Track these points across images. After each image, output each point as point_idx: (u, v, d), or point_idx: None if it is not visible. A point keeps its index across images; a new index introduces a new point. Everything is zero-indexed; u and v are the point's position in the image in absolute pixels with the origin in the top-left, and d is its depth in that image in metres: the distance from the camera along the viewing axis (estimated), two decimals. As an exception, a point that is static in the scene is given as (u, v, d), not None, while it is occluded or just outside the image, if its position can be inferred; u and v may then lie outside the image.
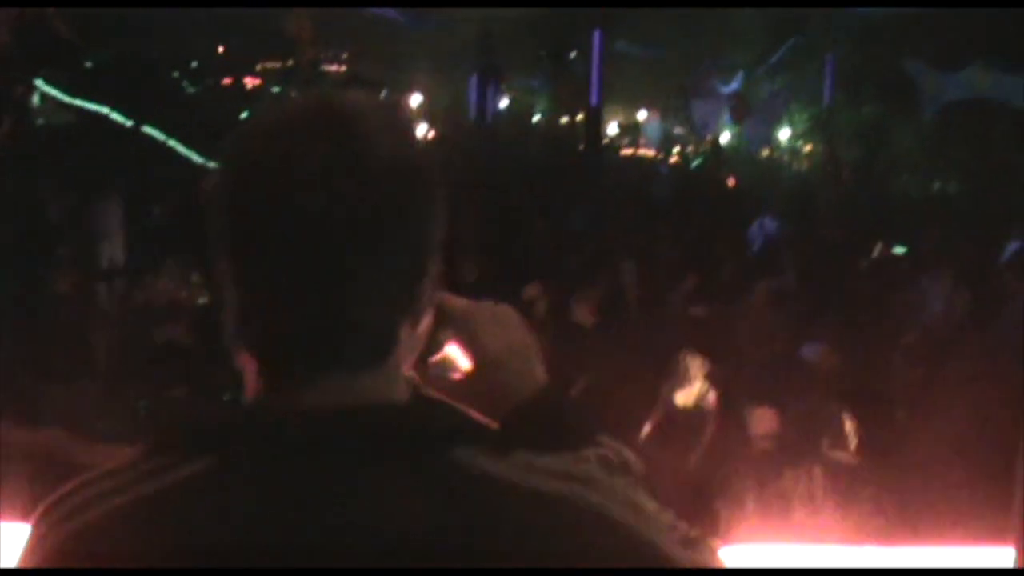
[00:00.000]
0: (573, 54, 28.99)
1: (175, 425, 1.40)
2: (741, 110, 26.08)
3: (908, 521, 6.94)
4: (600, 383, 9.11)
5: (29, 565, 1.34)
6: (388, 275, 1.33)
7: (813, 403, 8.21)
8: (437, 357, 1.62)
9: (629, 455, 1.56)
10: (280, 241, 1.30)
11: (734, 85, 26.39)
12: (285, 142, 1.33)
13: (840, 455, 7.96)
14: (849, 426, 8.06)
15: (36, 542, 1.35)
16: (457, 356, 1.62)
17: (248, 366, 1.39)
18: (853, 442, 7.92)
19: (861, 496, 7.24)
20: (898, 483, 7.55)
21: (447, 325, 1.58)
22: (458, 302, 1.61)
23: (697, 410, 8.83)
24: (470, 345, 1.60)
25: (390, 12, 29.83)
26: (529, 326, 1.68)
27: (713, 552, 1.41)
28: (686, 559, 1.36)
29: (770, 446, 7.81)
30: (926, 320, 11.14)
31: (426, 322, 1.43)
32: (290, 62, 25.04)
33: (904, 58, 21.68)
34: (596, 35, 22.41)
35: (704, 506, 7.18)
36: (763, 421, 7.87)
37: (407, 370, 1.44)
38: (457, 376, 1.60)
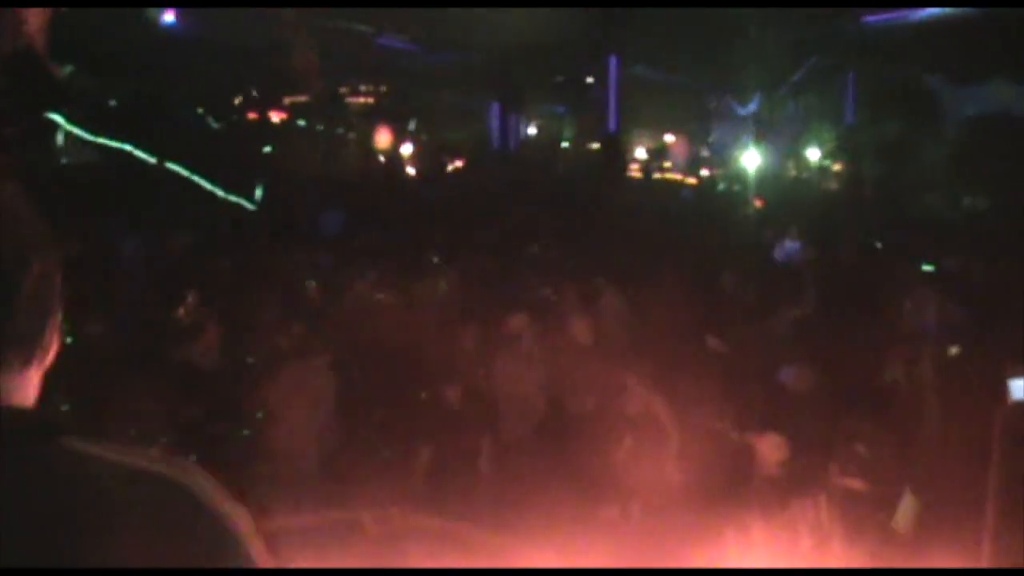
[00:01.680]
0: (590, 80, 29.01)
1: None
2: (760, 131, 26.01)
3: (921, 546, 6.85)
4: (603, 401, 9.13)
5: None
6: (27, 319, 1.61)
7: (821, 429, 8.13)
8: None
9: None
10: None
11: (753, 106, 26.33)
12: None
13: (850, 482, 7.88)
14: (860, 452, 7.97)
15: None
16: None
17: None
18: (864, 468, 7.84)
19: (870, 523, 7.17)
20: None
21: None
22: None
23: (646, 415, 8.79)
24: None
25: (407, 44, 30.01)
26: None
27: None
28: (259, 560, 1.59)
29: (779, 473, 7.71)
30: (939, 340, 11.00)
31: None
32: (311, 96, 25.14)
33: (924, 73, 21.55)
34: (612, 60, 22.38)
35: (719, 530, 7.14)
36: (772, 448, 7.77)
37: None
38: None
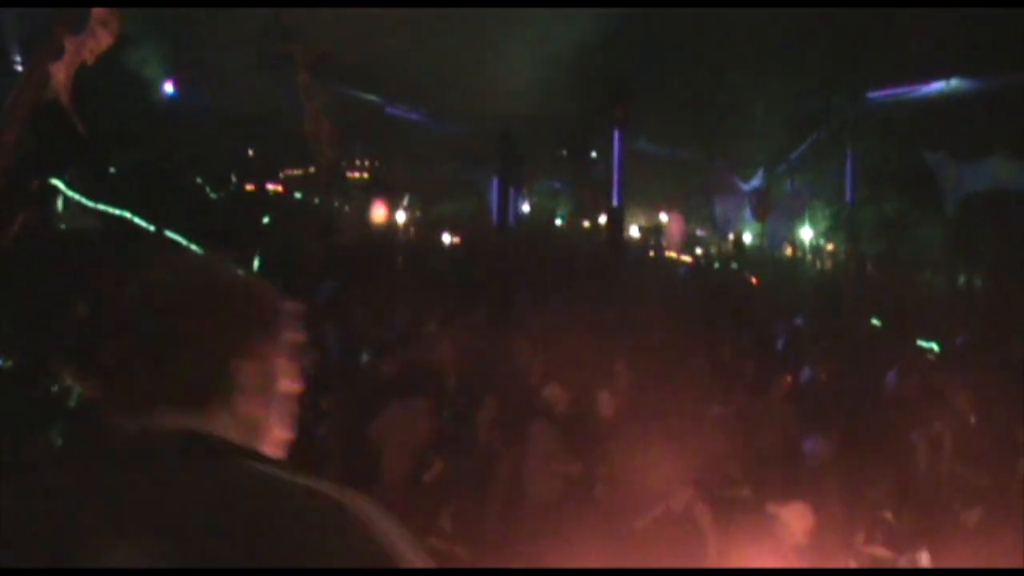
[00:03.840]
0: (594, 154, 29.10)
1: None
2: (763, 208, 26.00)
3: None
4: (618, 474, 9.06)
5: None
6: (197, 368, 1.90)
7: (845, 498, 8.02)
8: None
9: None
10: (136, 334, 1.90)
11: (755, 182, 26.34)
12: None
13: (876, 551, 7.76)
14: (886, 519, 7.86)
15: None
16: None
17: None
18: (890, 536, 7.72)
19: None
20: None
21: None
22: None
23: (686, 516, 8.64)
24: None
25: (414, 114, 30.08)
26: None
27: None
28: None
29: (805, 541, 7.58)
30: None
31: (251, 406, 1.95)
32: (311, 168, 25.17)
33: (924, 151, 21.60)
34: (616, 134, 22.43)
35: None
36: (799, 516, 7.65)
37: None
38: None
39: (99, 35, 6.06)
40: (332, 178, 28.39)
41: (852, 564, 7.22)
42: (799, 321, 17.74)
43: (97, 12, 6.89)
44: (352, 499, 1.76)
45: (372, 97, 29.30)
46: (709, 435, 9.71)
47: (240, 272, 2.07)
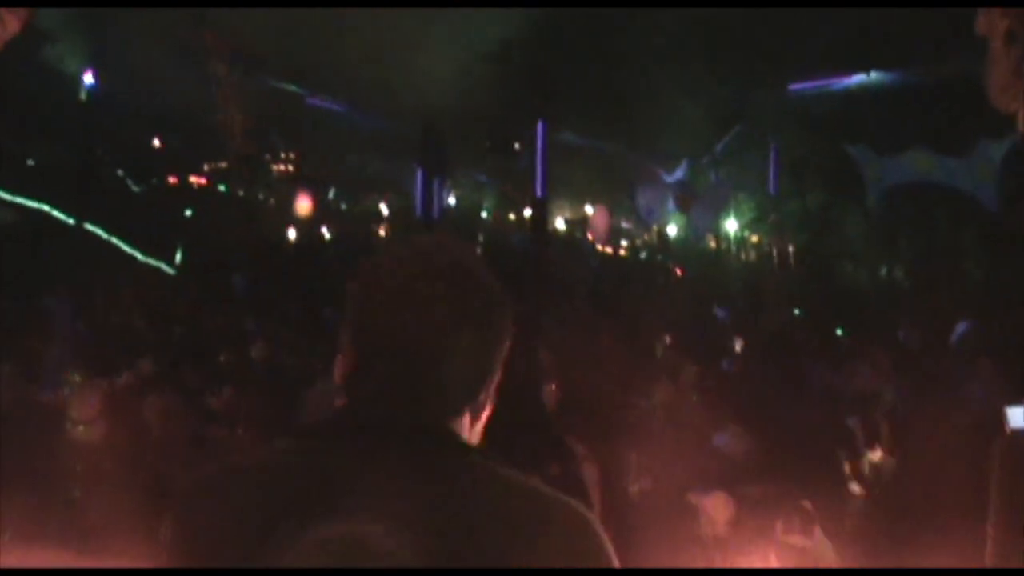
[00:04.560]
0: (517, 145, 29.08)
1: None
2: (687, 199, 26.15)
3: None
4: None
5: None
6: (463, 365, 1.90)
7: (767, 487, 8.05)
8: None
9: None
10: (395, 323, 1.87)
11: (678, 174, 26.49)
12: (412, 264, 1.91)
13: (795, 539, 7.80)
14: (805, 509, 7.91)
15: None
16: None
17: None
18: (809, 525, 7.77)
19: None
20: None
21: None
22: None
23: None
24: None
25: (335, 105, 29.92)
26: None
27: None
28: None
29: (726, 532, 7.60)
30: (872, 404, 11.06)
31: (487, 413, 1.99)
32: (224, 162, 25.03)
33: (846, 143, 21.83)
34: (540, 126, 22.40)
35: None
36: (720, 507, 7.67)
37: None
38: None
39: (6, 21, 5.91)
40: (248, 168, 28.20)
41: (772, 555, 7.25)
42: (721, 313, 17.89)
43: None
44: (587, 509, 1.84)
45: (293, 88, 29.13)
46: (631, 428, 9.71)
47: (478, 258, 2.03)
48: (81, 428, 8.69)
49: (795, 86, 26.50)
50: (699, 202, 26.64)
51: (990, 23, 3.51)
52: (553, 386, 11.04)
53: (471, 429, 1.96)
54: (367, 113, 30.79)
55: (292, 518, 1.73)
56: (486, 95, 28.30)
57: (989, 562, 3.26)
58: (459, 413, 1.91)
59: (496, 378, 1.97)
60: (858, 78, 24.99)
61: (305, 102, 29.88)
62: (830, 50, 25.19)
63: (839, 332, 16.70)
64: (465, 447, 1.88)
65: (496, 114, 29.05)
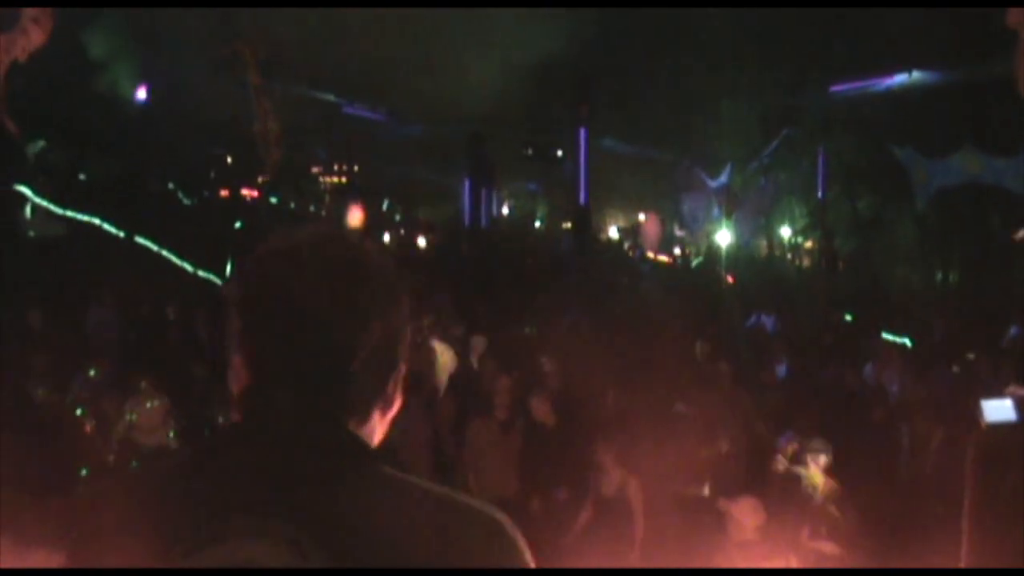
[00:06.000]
0: (560, 152, 29.05)
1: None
2: (730, 203, 25.95)
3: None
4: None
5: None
6: (368, 362, 1.76)
7: (795, 493, 7.97)
8: None
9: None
10: (287, 328, 1.74)
11: (723, 179, 26.29)
12: (298, 257, 1.76)
13: (821, 545, 7.71)
14: (832, 514, 7.82)
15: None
16: None
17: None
18: (835, 531, 7.69)
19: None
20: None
21: None
22: None
23: (619, 499, 8.68)
24: None
25: (374, 114, 29.96)
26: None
27: None
28: None
29: (755, 537, 7.53)
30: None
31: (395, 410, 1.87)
32: (268, 173, 25.13)
33: (894, 146, 21.59)
34: (582, 132, 22.36)
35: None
36: (750, 512, 7.60)
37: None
38: None
39: (31, 33, 5.97)
40: (292, 180, 28.28)
41: (793, 560, 7.17)
42: (768, 320, 17.77)
43: (28, 11, 6.83)
44: (497, 511, 1.76)
45: (330, 97, 29.22)
46: (672, 434, 9.65)
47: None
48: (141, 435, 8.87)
49: (836, 87, 26.25)
50: (742, 206, 26.45)
51: (1021, 16, 3.46)
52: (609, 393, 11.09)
53: (381, 422, 1.84)
54: (407, 122, 30.84)
55: (184, 540, 1.66)
56: (527, 101, 28.28)
57: (964, 560, 3.18)
58: (365, 416, 1.80)
59: (401, 370, 1.84)
60: (900, 78, 24.69)
61: (342, 111, 29.96)
62: (871, 50, 24.98)
63: (896, 338, 16.52)
64: (370, 456, 1.76)
65: (537, 121, 29.08)
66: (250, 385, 1.78)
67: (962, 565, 3.21)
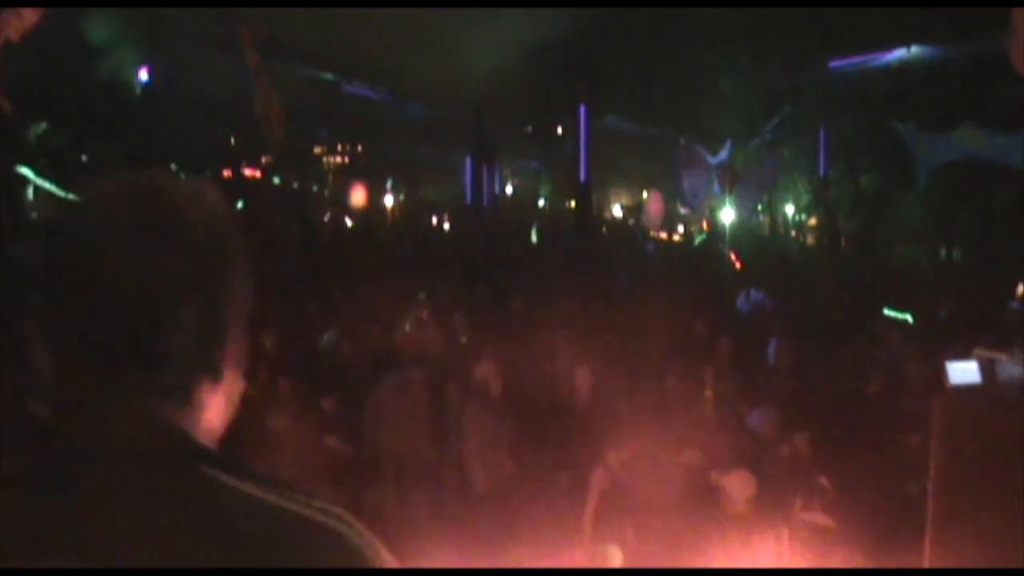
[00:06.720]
0: (560, 130, 29.02)
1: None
2: (730, 179, 25.89)
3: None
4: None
5: None
6: (185, 337, 1.52)
7: (786, 466, 8.02)
8: None
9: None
10: (85, 304, 1.49)
11: (723, 155, 26.24)
12: (97, 216, 1.52)
13: (814, 517, 7.76)
14: (823, 486, 7.87)
15: None
16: None
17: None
18: (827, 503, 7.73)
19: (833, 557, 7.03)
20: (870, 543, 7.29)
21: None
22: None
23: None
24: None
25: (374, 93, 29.88)
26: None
27: None
28: None
29: (746, 509, 7.57)
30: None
31: (235, 383, 1.64)
32: (275, 147, 25.06)
33: (895, 122, 21.53)
34: (582, 110, 22.31)
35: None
36: (741, 485, 7.64)
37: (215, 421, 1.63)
38: None
39: (24, 13, 5.94)
40: (294, 159, 28.22)
41: (786, 532, 7.21)
42: (760, 296, 17.74)
43: (21, -10, 6.79)
44: (338, 521, 1.54)
45: (329, 76, 29.14)
46: (664, 407, 9.71)
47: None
48: None
49: (835, 63, 26.19)
50: (741, 182, 26.38)
51: None
52: (586, 371, 11.08)
53: (215, 400, 1.62)
54: (407, 101, 30.76)
55: None
56: (528, 79, 28.22)
57: (929, 522, 3.21)
58: (185, 398, 1.56)
59: (239, 336, 1.62)
60: (898, 53, 24.63)
61: (342, 90, 29.88)
62: (869, 25, 24.87)
63: (898, 314, 16.47)
64: (193, 456, 1.53)
65: (537, 99, 29.02)
66: (54, 374, 1.54)
67: (928, 527, 3.24)
